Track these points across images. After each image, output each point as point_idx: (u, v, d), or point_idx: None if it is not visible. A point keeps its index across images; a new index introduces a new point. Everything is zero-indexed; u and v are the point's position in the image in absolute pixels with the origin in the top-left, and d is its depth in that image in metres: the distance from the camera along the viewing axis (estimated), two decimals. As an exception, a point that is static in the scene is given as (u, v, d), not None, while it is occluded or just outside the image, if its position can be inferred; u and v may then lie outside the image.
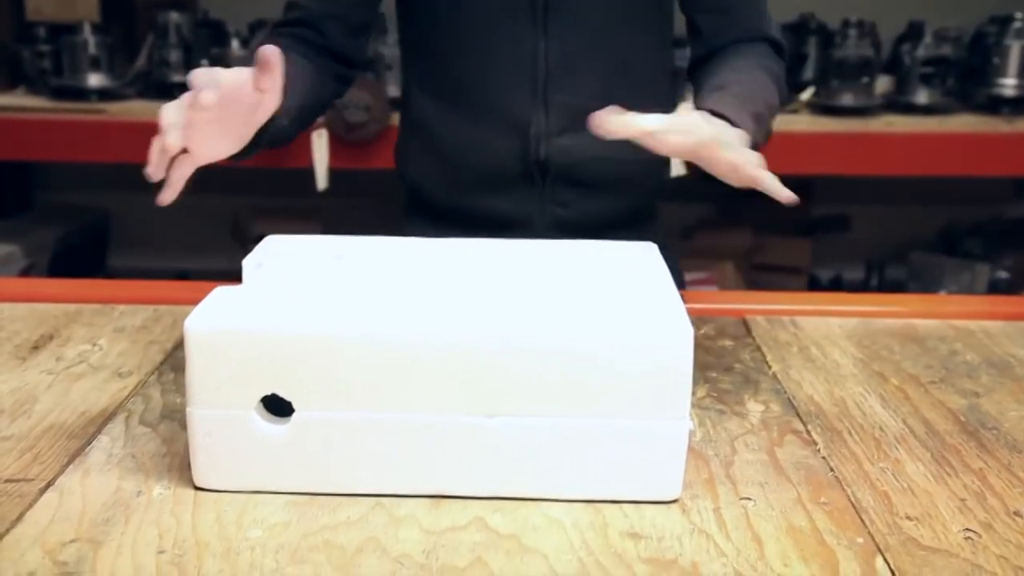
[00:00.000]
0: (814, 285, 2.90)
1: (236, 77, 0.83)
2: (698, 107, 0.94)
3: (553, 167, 1.13)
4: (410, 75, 1.20)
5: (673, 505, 0.72)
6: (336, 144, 2.21)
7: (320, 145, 2.20)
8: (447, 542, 0.66)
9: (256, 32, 2.41)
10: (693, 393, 0.90)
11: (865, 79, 2.37)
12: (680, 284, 1.32)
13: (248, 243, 0.90)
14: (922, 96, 2.41)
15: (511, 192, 1.16)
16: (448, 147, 1.16)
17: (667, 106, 1.20)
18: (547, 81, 1.11)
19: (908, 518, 0.71)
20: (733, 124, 0.92)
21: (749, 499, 0.73)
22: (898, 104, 2.43)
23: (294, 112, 0.97)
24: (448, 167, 1.17)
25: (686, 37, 1.17)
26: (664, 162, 1.25)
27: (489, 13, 1.10)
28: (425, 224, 1.24)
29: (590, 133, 1.13)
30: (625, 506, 0.71)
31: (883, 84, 2.49)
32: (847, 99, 2.36)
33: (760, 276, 2.75)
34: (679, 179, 2.14)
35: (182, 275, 2.79)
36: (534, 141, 1.12)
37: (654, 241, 1.23)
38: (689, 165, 1.82)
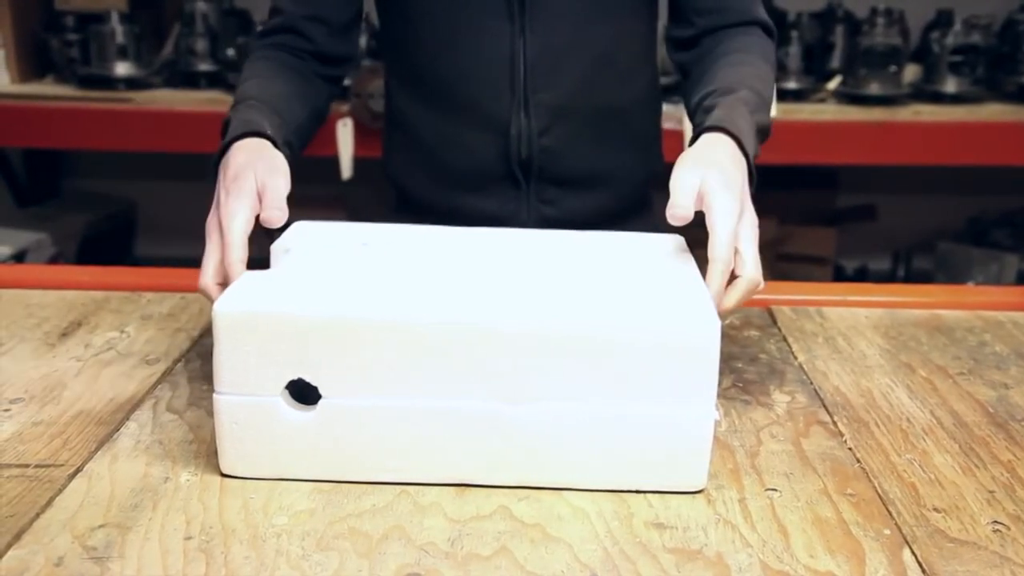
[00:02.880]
0: (840, 275, 2.88)
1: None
2: (706, 121, 0.91)
3: (536, 167, 1.12)
4: (391, 71, 1.18)
5: (698, 495, 0.71)
6: (361, 133, 2.21)
7: (345, 134, 2.21)
8: (472, 531, 0.67)
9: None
10: (719, 383, 0.90)
11: (893, 68, 2.35)
12: None
13: (273, 231, 0.90)
14: (951, 85, 2.38)
15: (495, 192, 1.14)
16: (429, 146, 1.14)
17: (649, 95, 1.18)
18: (527, 80, 1.08)
19: (936, 510, 0.70)
20: (743, 147, 0.89)
21: (775, 490, 0.72)
22: (926, 93, 2.40)
23: (295, 142, 1.00)
24: (430, 166, 1.15)
25: (668, 15, 1.12)
26: (655, 155, 1.24)
27: (465, 10, 1.07)
28: (410, 221, 1.23)
29: (572, 130, 1.12)
30: (650, 496, 0.71)
31: (911, 73, 2.47)
32: (874, 88, 2.34)
33: (785, 266, 2.73)
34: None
35: (207, 263, 2.80)
36: (515, 141, 1.10)
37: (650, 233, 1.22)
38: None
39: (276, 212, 0.84)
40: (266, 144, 0.90)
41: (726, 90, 0.97)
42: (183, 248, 3.20)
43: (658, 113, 1.23)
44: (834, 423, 0.83)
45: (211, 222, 0.86)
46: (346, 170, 2.23)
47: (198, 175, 2.97)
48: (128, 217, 3.03)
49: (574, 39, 1.08)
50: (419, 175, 1.17)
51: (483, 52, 1.08)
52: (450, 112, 1.11)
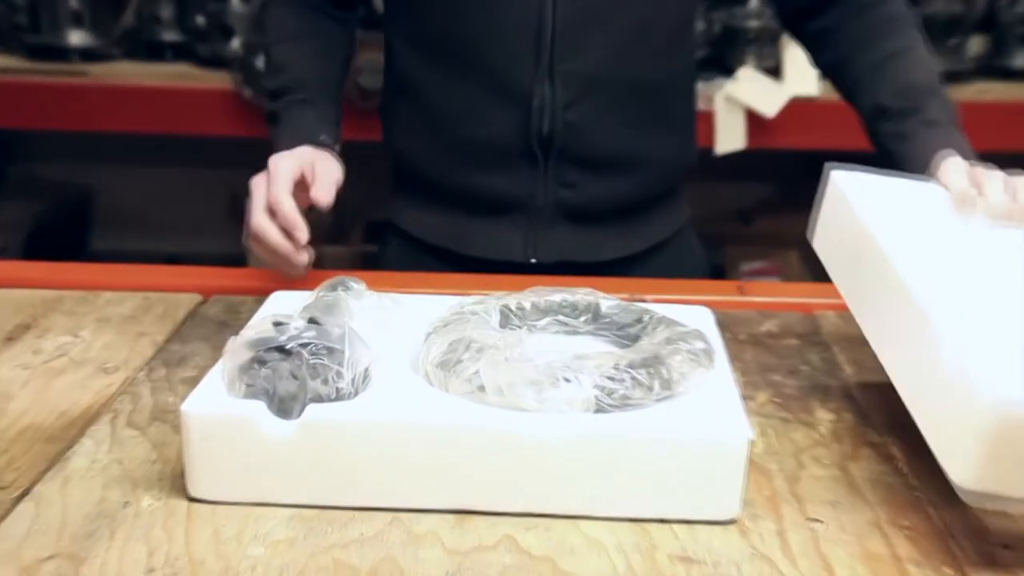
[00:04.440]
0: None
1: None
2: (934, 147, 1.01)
3: (558, 144, 1.12)
4: (396, 32, 1.19)
5: (731, 526, 0.71)
6: (348, 112, 2.21)
7: (329, 114, 2.21)
8: (473, 564, 0.67)
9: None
10: (753, 399, 0.90)
11: (955, 40, 2.35)
12: (709, 273, 1.31)
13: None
14: (1020, 59, 2.38)
15: (509, 170, 1.15)
16: (438, 115, 1.15)
17: (686, 75, 1.20)
18: (553, 46, 1.09)
19: (1005, 547, 0.70)
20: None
21: (818, 521, 0.72)
22: (993, 68, 2.40)
23: (336, 97, 1.18)
24: (438, 137, 1.16)
25: None
26: (691, 140, 1.24)
27: None
28: (414, 202, 1.23)
29: (600, 106, 1.13)
30: (676, 526, 0.71)
31: (976, 45, 2.46)
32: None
33: (830, 266, 2.73)
34: (734, 156, 2.13)
35: (173, 259, 2.80)
36: (536, 114, 1.11)
37: (676, 227, 1.24)
38: (748, 137, 1.82)
39: (325, 193, 1.00)
40: (325, 152, 1.07)
41: (929, 110, 1.07)
42: (146, 242, 3.21)
43: (694, 95, 1.24)
44: (886, 445, 0.83)
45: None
46: (331, 155, 2.24)
47: (163, 160, 2.98)
48: (83, 207, 3.03)
49: (608, 4, 1.08)
50: (425, 147, 1.17)
51: (506, 11, 1.08)
52: (465, 77, 1.12)
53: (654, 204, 1.21)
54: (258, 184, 1.01)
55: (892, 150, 1.08)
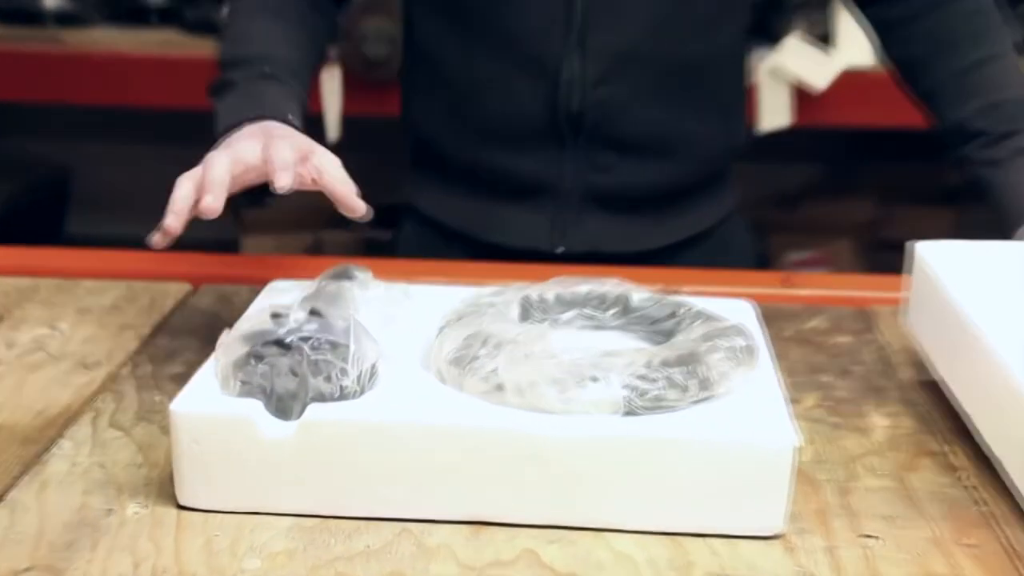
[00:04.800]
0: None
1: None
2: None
3: (588, 124, 1.13)
4: None
5: (774, 542, 0.72)
6: (352, 85, 2.22)
7: (331, 86, 2.20)
8: (490, 580, 0.67)
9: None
10: (800, 402, 0.90)
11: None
12: (756, 263, 1.31)
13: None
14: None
15: (535, 150, 1.15)
16: (459, 89, 1.16)
17: (734, 50, 1.20)
18: (585, 16, 1.09)
19: (1077, 565, 0.70)
20: None
21: (872, 537, 0.73)
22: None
23: (306, 86, 1.06)
24: (459, 113, 1.17)
25: None
26: (739, 121, 1.24)
27: None
28: (433, 182, 1.24)
29: (636, 83, 1.13)
30: (713, 541, 0.71)
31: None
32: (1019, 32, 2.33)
33: (886, 256, 2.72)
34: (779, 134, 2.13)
35: (157, 245, 2.81)
36: (565, 89, 1.11)
37: (720, 215, 1.24)
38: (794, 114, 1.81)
39: (285, 175, 0.85)
40: (288, 130, 0.94)
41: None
42: (129, 225, 3.20)
43: (743, 73, 1.24)
44: (949, 454, 0.83)
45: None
46: (332, 130, 2.24)
47: (147, 136, 2.99)
48: (60, 187, 3.04)
49: None
50: (445, 124, 1.18)
51: None
52: (488, 47, 1.12)
53: (696, 191, 1.21)
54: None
55: (980, 177, 1.08)
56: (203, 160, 0.87)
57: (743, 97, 1.25)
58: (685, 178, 1.19)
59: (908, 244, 0.93)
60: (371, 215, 0.86)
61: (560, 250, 1.18)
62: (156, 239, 0.84)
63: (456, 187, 1.21)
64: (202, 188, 0.83)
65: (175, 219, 0.83)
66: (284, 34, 1.07)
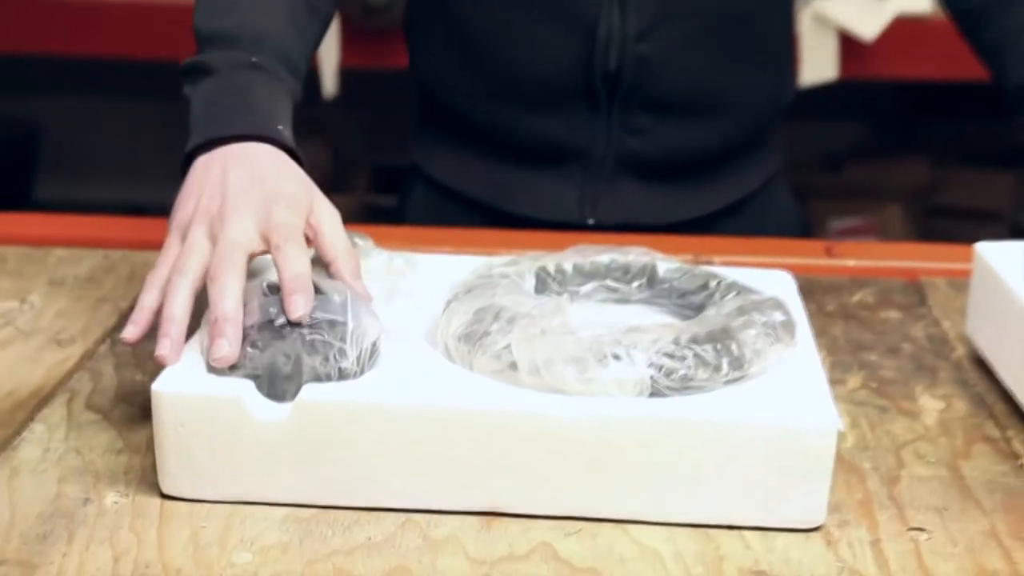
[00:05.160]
0: (1018, 236, 2.86)
1: None
2: None
3: (626, 83, 1.12)
4: None
5: (814, 534, 0.72)
6: (350, 35, 2.22)
7: (328, 37, 2.21)
8: (503, 575, 0.68)
9: None
10: (843, 382, 0.90)
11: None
12: (804, 232, 1.31)
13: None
14: None
15: (566, 112, 1.15)
16: (482, 43, 1.15)
17: (784, 9, 1.20)
18: None
19: None
20: None
21: (922, 530, 0.73)
22: None
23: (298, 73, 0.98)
24: (480, 69, 1.16)
25: None
26: (787, 76, 1.24)
27: None
28: (445, 144, 1.23)
29: (679, 38, 1.12)
30: (747, 534, 0.72)
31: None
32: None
33: (941, 223, 2.72)
34: (822, 88, 2.12)
35: (138, 209, 2.81)
36: (603, 45, 1.11)
37: (763, 179, 1.23)
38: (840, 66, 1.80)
39: (352, 263, 0.82)
40: (293, 164, 0.87)
41: None
42: (104, 189, 3.22)
43: (791, 21, 1.24)
44: (1007, 440, 0.84)
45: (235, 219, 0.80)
46: (329, 85, 2.24)
47: (124, 90, 2.99)
48: (26, 147, 3.05)
49: None
50: (461, 81, 1.17)
51: None
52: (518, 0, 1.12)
53: (739, 154, 1.21)
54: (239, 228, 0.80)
55: None
56: (173, 250, 0.81)
57: (791, 48, 1.25)
58: (728, 140, 1.19)
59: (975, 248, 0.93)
60: (371, 299, 0.81)
61: (591, 222, 1.18)
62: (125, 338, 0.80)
63: (472, 151, 1.21)
64: (160, 324, 0.78)
65: (134, 331, 0.80)
66: (278, 7, 0.98)
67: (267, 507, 0.73)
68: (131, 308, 0.99)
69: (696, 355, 0.73)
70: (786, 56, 1.24)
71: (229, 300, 0.75)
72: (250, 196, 0.81)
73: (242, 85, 0.91)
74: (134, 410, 0.84)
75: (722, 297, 0.82)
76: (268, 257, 0.80)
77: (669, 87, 1.13)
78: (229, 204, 0.80)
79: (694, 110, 1.15)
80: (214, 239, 0.79)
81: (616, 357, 0.72)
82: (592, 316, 0.79)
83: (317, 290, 0.76)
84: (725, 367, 0.73)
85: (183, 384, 0.73)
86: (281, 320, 0.73)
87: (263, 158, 0.85)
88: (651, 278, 0.87)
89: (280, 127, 0.89)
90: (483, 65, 1.15)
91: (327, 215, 0.83)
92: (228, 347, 0.73)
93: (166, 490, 0.74)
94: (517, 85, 1.14)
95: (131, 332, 0.79)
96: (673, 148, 1.16)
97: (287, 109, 0.92)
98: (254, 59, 0.92)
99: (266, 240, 0.79)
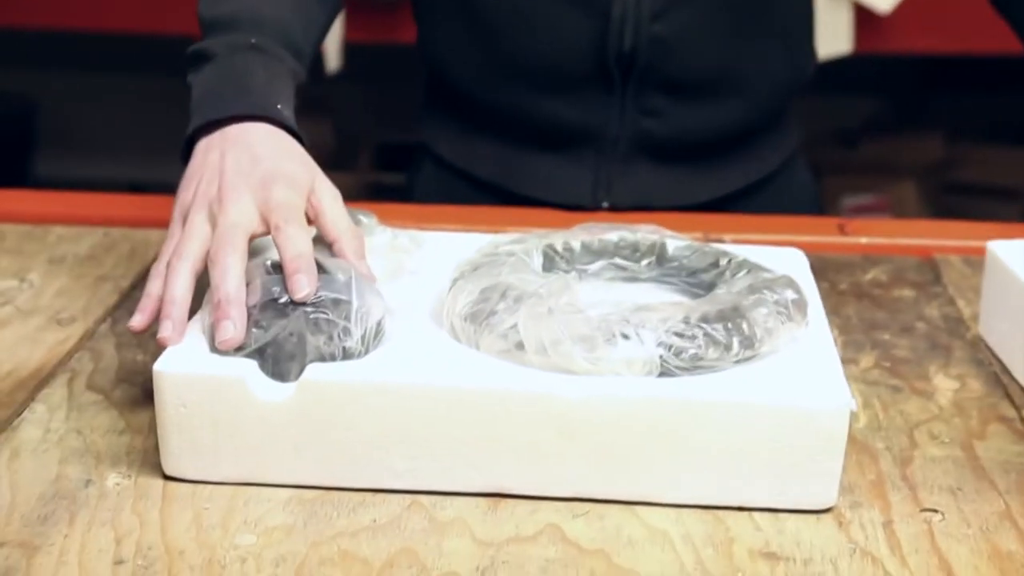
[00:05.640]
0: (1035, 214, 2.86)
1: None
2: None
3: (641, 64, 1.12)
4: None
5: (825, 516, 0.72)
6: (354, 8, 2.21)
7: (331, 8, 2.21)
8: (509, 557, 0.68)
9: None
10: (856, 362, 0.90)
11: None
12: (817, 209, 1.31)
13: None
14: None
15: (579, 94, 1.14)
16: (493, 22, 1.15)
17: None
18: None
19: None
20: None
21: (935, 511, 0.73)
22: None
23: (301, 55, 0.98)
24: (491, 50, 1.16)
25: None
26: (806, 51, 1.24)
27: None
28: (453, 125, 1.23)
29: (696, 17, 1.11)
30: (757, 515, 0.72)
31: None
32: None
33: (956, 200, 2.72)
34: (836, 62, 2.12)
35: (138, 187, 2.82)
36: (617, 25, 1.11)
37: (782, 158, 1.23)
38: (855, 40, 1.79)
39: (356, 242, 0.82)
40: (293, 142, 0.88)
41: None
42: (104, 166, 3.23)
43: None
44: (1023, 420, 0.84)
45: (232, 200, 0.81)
46: (332, 60, 2.24)
47: (124, 65, 2.99)
48: (25, 122, 3.05)
49: None
50: (471, 61, 1.17)
51: None
52: None
53: (757, 134, 1.21)
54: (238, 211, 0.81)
55: None
56: (178, 230, 0.83)
57: (810, 25, 1.24)
58: (745, 120, 1.19)
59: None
60: (375, 280, 0.81)
61: (605, 205, 1.18)
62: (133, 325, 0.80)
63: (482, 133, 1.20)
64: (161, 306, 0.78)
65: (141, 319, 0.80)
66: None
67: (271, 488, 0.73)
68: (132, 287, 1.00)
69: (706, 334, 0.73)
70: (804, 33, 1.23)
71: (231, 281, 0.75)
72: (249, 177, 0.81)
73: (240, 67, 0.91)
74: (136, 390, 0.85)
75: (733, 275, 0.82)
76: (270, 238, 0.80)
77: (685, 67, 1.13)
78: (227, 186, 0.81)
79: (710, 90, 1.15)
80: (214, 222, 0.80)
81: (625, 336, 0.72)
82: (600, 295, 0.79)
83: (321, 269, 0.76)
84: (736, 346, 0.73)
85: (185, 364, 0.73)
86: (285, 298, 0.74)
87: (262, 138, 0.86)
88: (660, 256, 0.87)
89: (279, 106, 0.89)
90: (494, 45, 1.15)
91: (328, 194, 0.84)
92: (233, 329, 0.73)
93: (168, 471, 0.74)
94: (529, 66, 1.14)
95: (138, 320, 0.79)
96: (688, 129, 1.16)
97: (287, 88, 0.93)
98: (253, 40, 0.93)
99: (266, 221, 0.80)
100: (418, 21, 1.24)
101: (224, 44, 0.93)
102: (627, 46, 1.11)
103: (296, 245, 0.76)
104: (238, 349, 0.73)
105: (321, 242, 0.82)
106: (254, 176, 0.82)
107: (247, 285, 0.75)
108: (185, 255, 0.79)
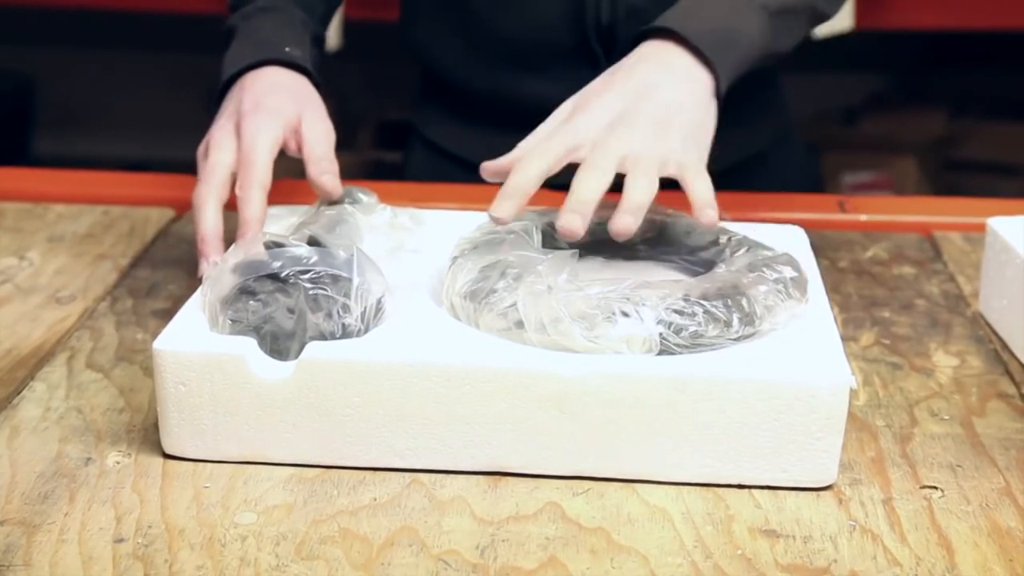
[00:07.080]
0: (1036, 190, 2.86)
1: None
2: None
3: (621, 37, 1.12)
4: None
5: (825, 493, 0.73)
6: (352, -18, 2.21)
7: (329, -16, 2.20)
8: (509, 535, 0.68)
9: None
10: (856, 339, 0.90)
11: None
12: (814, 187, 1.30)
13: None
14: None
15: (564, 73, 1.13)
16: (472, 3, 1.14)
17: None
18: None
19: None
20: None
21: (935, 488, 0.73)
22: None
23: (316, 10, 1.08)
24: (472, 32, 1.16)
25: None
26: None
27: None
28: (443, 110, 1.23)
29: None
30: (757, 492, 0.72)
31: None
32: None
33: (957, 177, 2.71)
34: (837, 39, 2.11)
35: (139, 165, 2.82)
36: (593, 0, 1.11)
37: (774, 133, 1.22)
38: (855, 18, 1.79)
39: (327, 164, 0.90)
40: (300, 79, 0.96)
41: None
42: (104, 144, 3.22)
43: None
44: (1023, 397, 0.84)
45: (214, 142, 0.91)
46: (332, 37, 2.23)
47: (124, 42, 2.98)
48: (24, 99, 3.04)
49: None
50: (456, 45, 1.17)
51: None
52: None
53: (743, 106, 1.20)
54: (217, 149, 0.91)
55: None
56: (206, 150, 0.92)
57: None
58: (732, 91, 1.18)
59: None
60: (343, 198, 0.90)
61: None
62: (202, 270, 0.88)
63: (469, 116, 1.20)
64: (199, 246, 0.88)
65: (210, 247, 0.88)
66: None
67: (271, 467, 0.74)
68: (132, 265, 1.00)
69: (706, 311, 0.73)
70: None
71: (208, 221, 0.87)
72: (232, 116, 0.91)
73: (252, 27, 1.01)
74: (135, 369, 0.85)
75: (733, 253, 0.82)
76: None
77: None
78: (215, 130, 0.92)
79: None
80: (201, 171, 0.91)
81: (624, 314, 0.72)
82: (599, 272, 0.79)
83: (321, 244, 0.76)
84: (736, 324, 0.73)
85: (184, 342, 0.73)
86: (284, 273, 0.73)
87: (261, 79, 0.94)
88: (660, 233, 0.87)
89: (287, 48, 0.98)
90: (474, 26, 1.15)
91: (312, 126, 0.93)
92: (206, 264, 0.85)
93: (168, 450, 0.74)
94: (510, 46, 1.14)
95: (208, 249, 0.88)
96: None
97: (298, 35, 1.01)
98: (262, 3, 1.03)
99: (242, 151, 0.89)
100: (400, 6, 1.24)
101: (240, 16, 1.03)
102: (605, 19, 1.10)
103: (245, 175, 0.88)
104: (235, 322, 0.73)
105: (321, 219, 0.82)
106: (237, 115, 0.91)
107: (246, 261, 0.75)
108: (194, 204, 0.89)
